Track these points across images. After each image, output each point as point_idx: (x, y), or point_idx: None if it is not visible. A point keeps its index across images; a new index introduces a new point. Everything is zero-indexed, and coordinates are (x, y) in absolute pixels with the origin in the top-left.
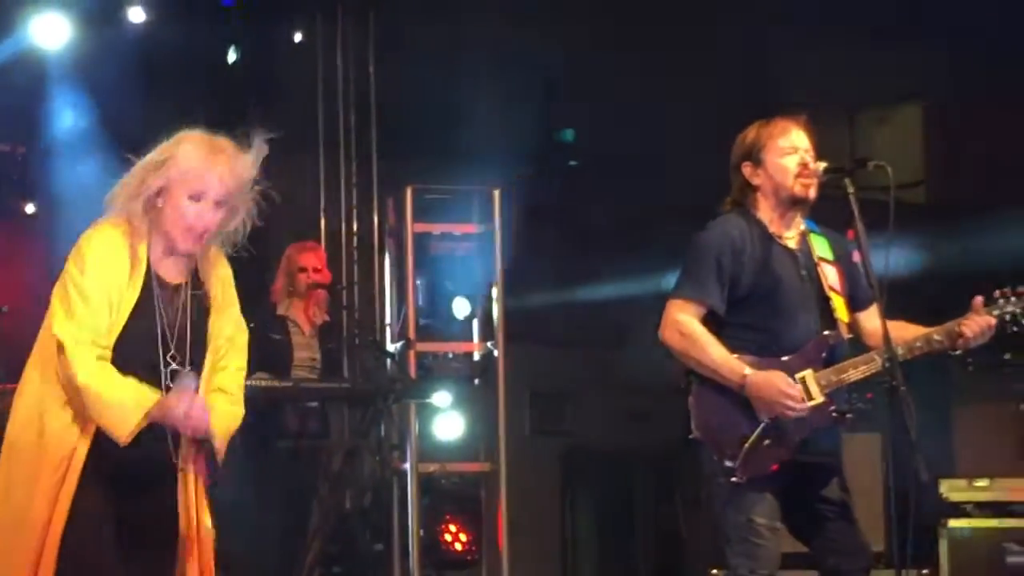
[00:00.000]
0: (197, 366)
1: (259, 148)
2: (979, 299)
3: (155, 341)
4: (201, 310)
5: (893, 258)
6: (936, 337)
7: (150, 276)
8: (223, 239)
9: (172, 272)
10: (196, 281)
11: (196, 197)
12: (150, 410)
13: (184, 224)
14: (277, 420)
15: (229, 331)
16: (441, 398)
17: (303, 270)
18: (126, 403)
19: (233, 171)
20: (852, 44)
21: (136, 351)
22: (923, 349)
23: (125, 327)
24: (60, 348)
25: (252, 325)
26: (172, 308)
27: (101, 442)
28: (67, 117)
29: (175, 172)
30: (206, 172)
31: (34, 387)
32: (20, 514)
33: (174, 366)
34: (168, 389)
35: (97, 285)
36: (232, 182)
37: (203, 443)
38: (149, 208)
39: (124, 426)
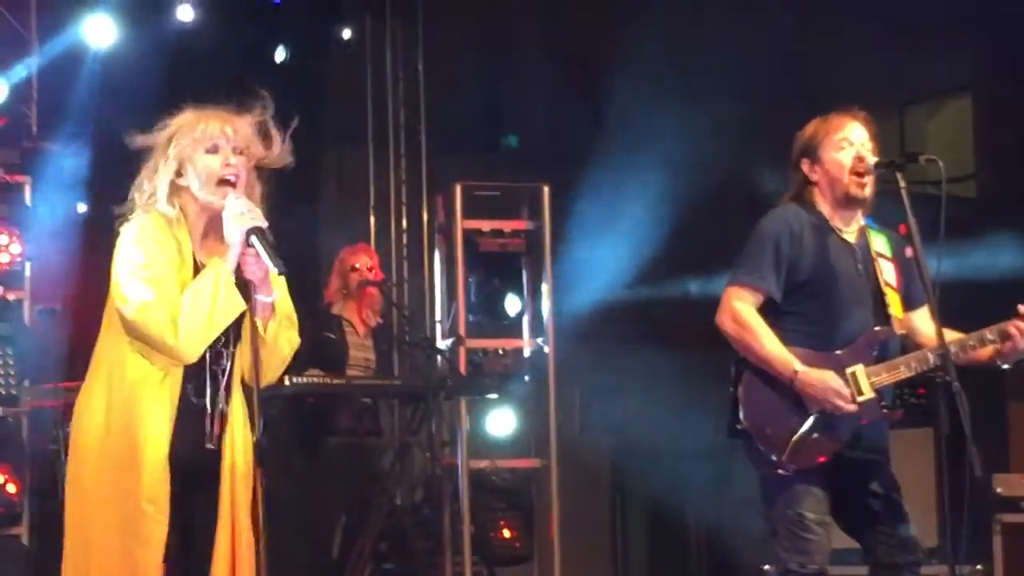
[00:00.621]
0: (239, 351)
1: (256, 113)
2: (1022, 306)
3: None
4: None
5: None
6: (989, 336)
7: (195, 260)
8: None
9: (210, 257)
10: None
11: (213, 150)
12: (225, 265)
13: (215, 176)
14: (330, 418)
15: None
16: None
17: (355, 270)
18: (212, 296)
19: (236, 121)
20: (902, 37)
21: None
22: (975, 348)
23: None
24: (144, 333)
25: (305, 323)
26: None
27: (179, 440)
28: (116, 115)
29: (183, 140)
30: (211, 125)
31: (108, 391)
32: (131, 525)
33: (218, 347)
34: (212, 372)
35: (159, 263)
36: (240, 132)
37: (251, 241)
38: (174, 192)
39: (236, 303)
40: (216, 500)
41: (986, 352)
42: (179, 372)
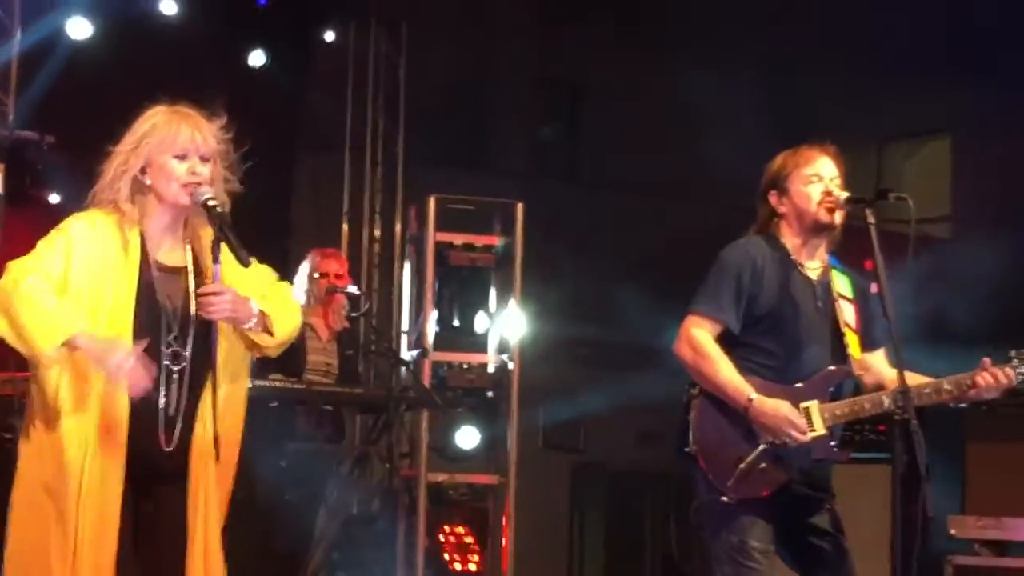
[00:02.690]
0: (198, 350)
1: (220, 116)
2: (987, 360)
3: (158, 324)
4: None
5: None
6: (946, 387)
7: (147, 261)
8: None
9: (172, 255)
10: (198, 267)
11: (182, 156)
12: (79, 335)
13: (180, 181)
14: (289, 422)
15: (263, 289)
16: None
17: (324, 275)
18: (59, 316)
19: (206, 128)
20: (883, 76)
21: (141, 335)
22: (931, 397)
23: (135, 315)
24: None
25: None
26: (176, 292)
27: (133, 440)
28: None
29: (154, 142)
30: (182, 131)
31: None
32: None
33: (175, 347)
34: (167, 370)
35: (59, 245)
36: (210, 138)
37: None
38: (136, 190)
39: (50, 335)
40: (174, 504)
41: (943, 396)
42: None
